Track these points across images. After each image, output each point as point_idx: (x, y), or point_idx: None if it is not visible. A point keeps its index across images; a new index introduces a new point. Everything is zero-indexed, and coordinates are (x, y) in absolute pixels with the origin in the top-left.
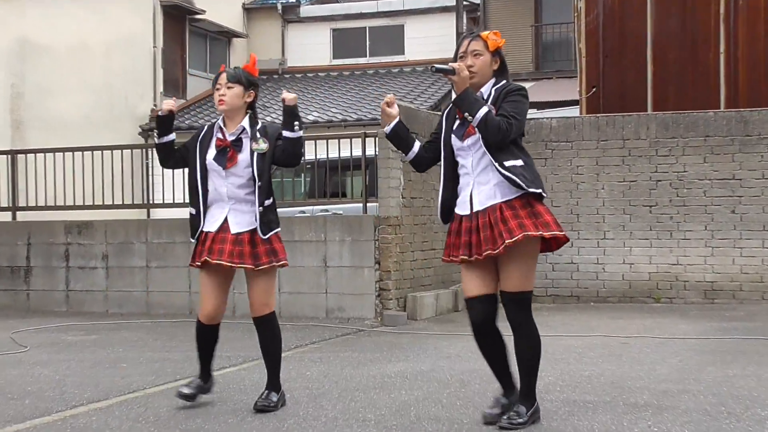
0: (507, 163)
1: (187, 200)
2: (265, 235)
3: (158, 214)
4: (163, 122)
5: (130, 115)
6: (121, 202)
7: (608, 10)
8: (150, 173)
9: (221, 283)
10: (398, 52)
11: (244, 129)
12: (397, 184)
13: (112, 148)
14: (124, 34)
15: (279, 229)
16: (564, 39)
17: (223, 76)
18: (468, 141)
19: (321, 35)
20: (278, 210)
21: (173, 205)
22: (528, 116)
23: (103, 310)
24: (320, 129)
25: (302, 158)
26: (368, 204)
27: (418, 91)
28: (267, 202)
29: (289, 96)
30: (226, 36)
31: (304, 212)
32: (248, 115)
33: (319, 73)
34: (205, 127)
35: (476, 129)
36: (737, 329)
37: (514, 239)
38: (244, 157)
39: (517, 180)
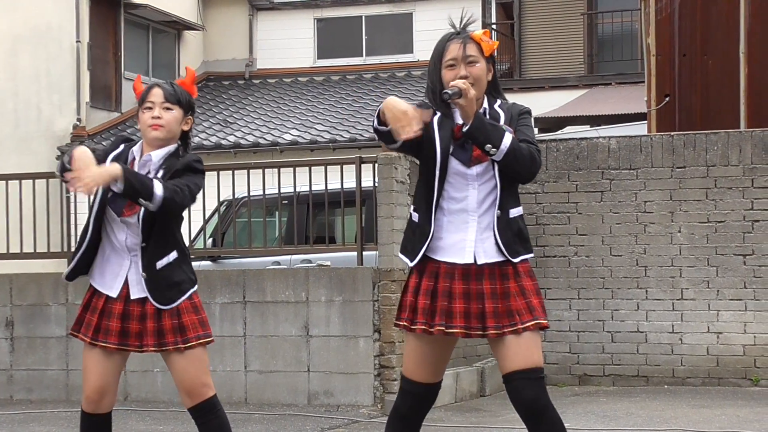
0: (513, 212)
1: None
2: (164, 305)
3: None
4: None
5: (44, 132)
6: (32, 250)
7: None
8: (72, 211)
9: (111, 360)
10: (405, 50)
11: (149, 161)
12: (403, 226)
13: (19, 177)
14: (36, 25)
15: (193, 289)
16: (627, 32)
17: (157, 92)
18: (476, 169)
19: (302, 27)
20: (245, 260)
21: None
22: (578, 135)
23: (6, 395)
24: (301, 153)
25: (184, 204)
26: (365, 252)
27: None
28: (161, 263)
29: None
30: (174, 28)
31: (278, 263)
32: (176, 145)
33: (300, 78)
34: (122, 146)
35: (498, 163)
36: None
37: (524, 325)
38: None
39: (506, 251)
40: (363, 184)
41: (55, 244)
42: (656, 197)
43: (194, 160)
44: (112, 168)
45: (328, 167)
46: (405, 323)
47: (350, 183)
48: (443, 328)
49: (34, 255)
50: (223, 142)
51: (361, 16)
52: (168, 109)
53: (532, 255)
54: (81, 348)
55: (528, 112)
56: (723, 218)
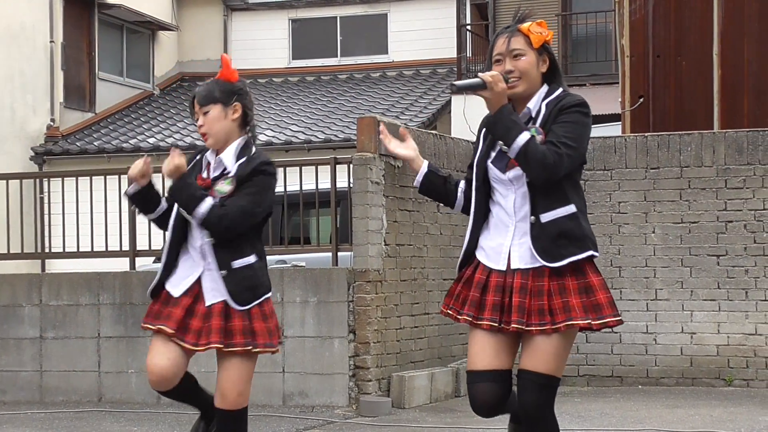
0: (548, 216)
1: (96, 248)
2: (241, 305)
3: (56, 266)
4: (141, 200)
5: (17, 132)
6: (5, 251)
7: None
8: (46, 211)
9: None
10: (380, 51)
11: (221, 162)
12: (378, 227)
13: None
14: (9, 24)
15: (268, 295)
16: (601, 33)
17: (195, 101)
18: (511, 173)
19: (276, 28)
20: None
21: (77, 254)
22: None
23: None
24: (276, 153)
25: (228, 231)
26: (340, 253)
27: (405, 103)
28: (238, 263)
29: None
30: (148, 28)
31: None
32: (243, 138)
33: (274, 78)
34: (197, 156)
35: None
36: None
37: (555, 326)
38: None
39: (543, 257)
40: (338, 185)
41: (29, 244)
42: (630, 198)
43: (261, 162)
44: (181, 169)
45: (303, 168)
46: (458, 315)
47: (325, 183)
48: (471, 319)
49: (8, 256)
50: (198, 142)
51: (336, 17)
52: (206, 113)
53: (585, 254)
54: (54, 350)
55: (576, 104)
56: (697, 219)
